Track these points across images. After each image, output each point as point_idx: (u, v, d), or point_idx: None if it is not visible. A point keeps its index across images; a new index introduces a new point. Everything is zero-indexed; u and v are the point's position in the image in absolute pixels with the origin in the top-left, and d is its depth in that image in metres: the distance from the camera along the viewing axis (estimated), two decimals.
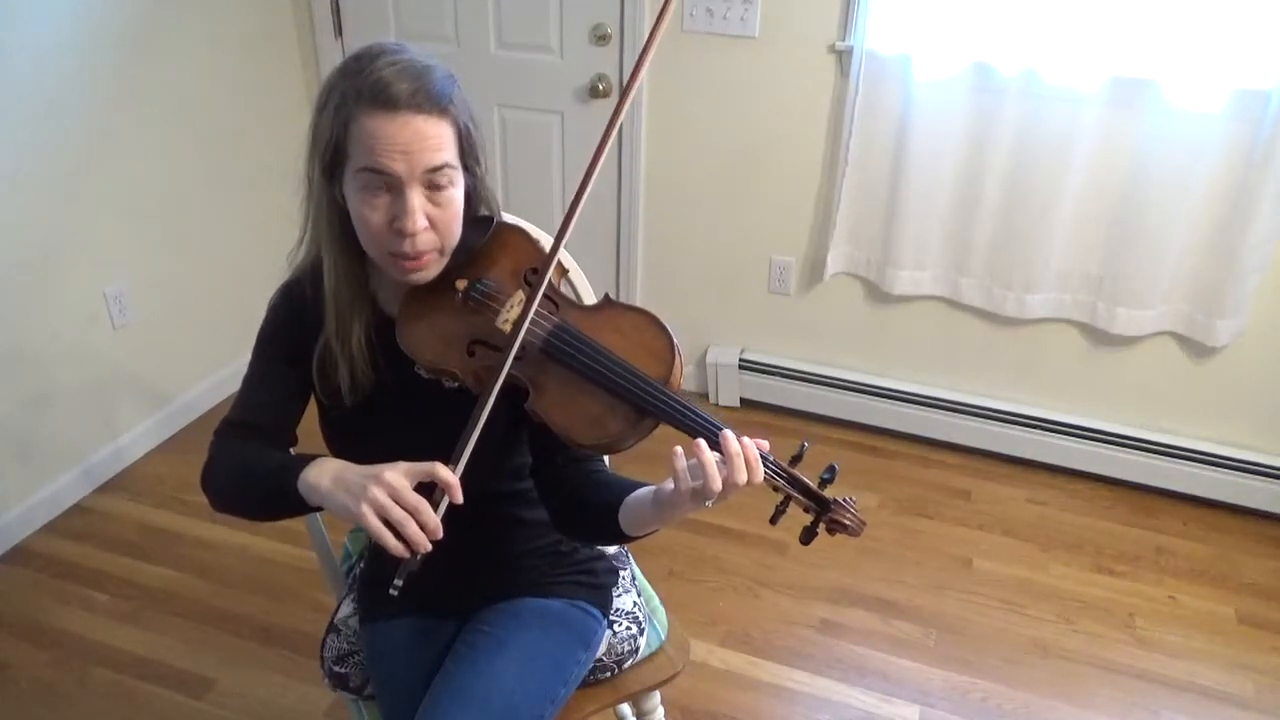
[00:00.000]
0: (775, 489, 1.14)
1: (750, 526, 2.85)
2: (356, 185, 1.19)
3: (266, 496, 1.24)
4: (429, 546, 1.11)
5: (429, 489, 1.13)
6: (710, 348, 3.42)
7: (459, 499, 1.12)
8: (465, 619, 1.52)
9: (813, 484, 1.14)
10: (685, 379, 3.35)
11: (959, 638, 2.52)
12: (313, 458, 1.22)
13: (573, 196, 1.18)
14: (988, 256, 2.93)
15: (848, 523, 1.14)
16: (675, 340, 1.18)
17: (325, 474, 1.17)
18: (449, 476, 1.12)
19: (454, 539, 1.32)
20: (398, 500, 1.10)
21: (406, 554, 1.11)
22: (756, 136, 3.07)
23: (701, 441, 1.07)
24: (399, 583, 1.13)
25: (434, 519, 1.10)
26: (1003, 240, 2.88)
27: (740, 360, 3.34)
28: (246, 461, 1.29)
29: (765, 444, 1.11)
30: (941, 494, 3.03)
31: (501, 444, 1.38)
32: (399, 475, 1.11)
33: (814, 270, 3.21)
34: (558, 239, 1.20)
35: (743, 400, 3.42)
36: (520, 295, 1.23)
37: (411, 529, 1.09)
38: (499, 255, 1.28)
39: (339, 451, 1.30)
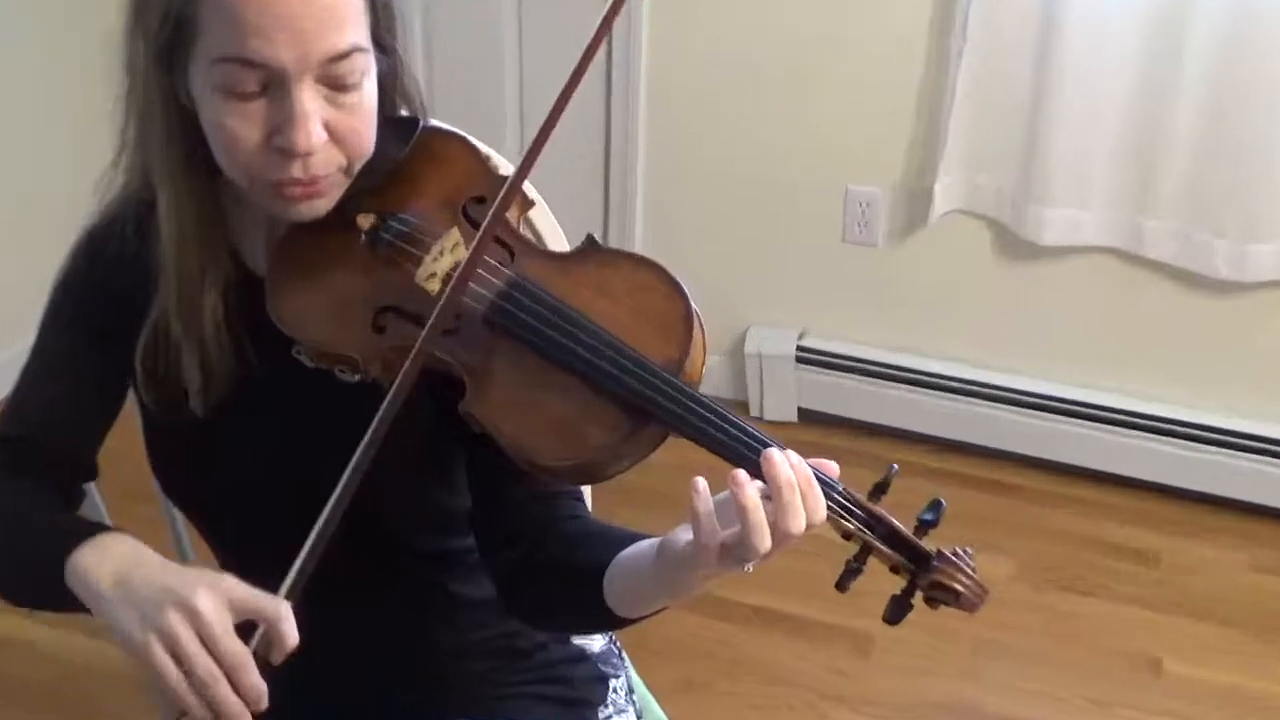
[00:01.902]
0: (846, 536, 1.09)
1: (813, 606, 2.62)
2: (214, 82, 1.12)
3: (23, 573, 1.20)
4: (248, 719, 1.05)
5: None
6: (751, 330, 3.21)
7: (280, 659, 1.06)
8: None
9: (905, 528, 1.10)
10: (714, 379, 3.22)
11: None
12: (100, 529, 1.17)
13: (552, 105, 1.14)
14: (1186, 188, 2.73)
15: (959, 588, 1.08)
16: (693, 304, 1.14)
17: (106, 566, 1.12)
18: (287, 630, 1.05)
19: (355, 630, 1.33)
20: (208, 645, 1.03)
21: None
22: (820, 7, 2.91)
23: (741, 473, 1.02)
24: None
25: (258, 684, 1.03)
26: (1208, 164, 2.69)
27: (799, 349, 3.14)
28: (9, 511, 1.25)
29: (833, 466, 1.08)
30: (1112, 557, 2.79)
31: (422, 475, 1.33)
32: (217, 604, 1.04)
33: (914, 208, 3.01)
34: (528, 155, 1.16)
35: (802, 412, 3.20)
36: (456, 235, 1.21)
37: (222, 694, 1.03)
38: (426, 177, 1.26)
39: (175, 488, 1.32)
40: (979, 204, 2.94)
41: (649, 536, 1.16)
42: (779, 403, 3.21)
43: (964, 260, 3.03)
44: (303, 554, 1.10)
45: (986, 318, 3.06)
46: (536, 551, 1.25)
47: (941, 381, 3.06)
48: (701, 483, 1.02)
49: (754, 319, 3.22)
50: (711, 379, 3.15)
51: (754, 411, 3.23)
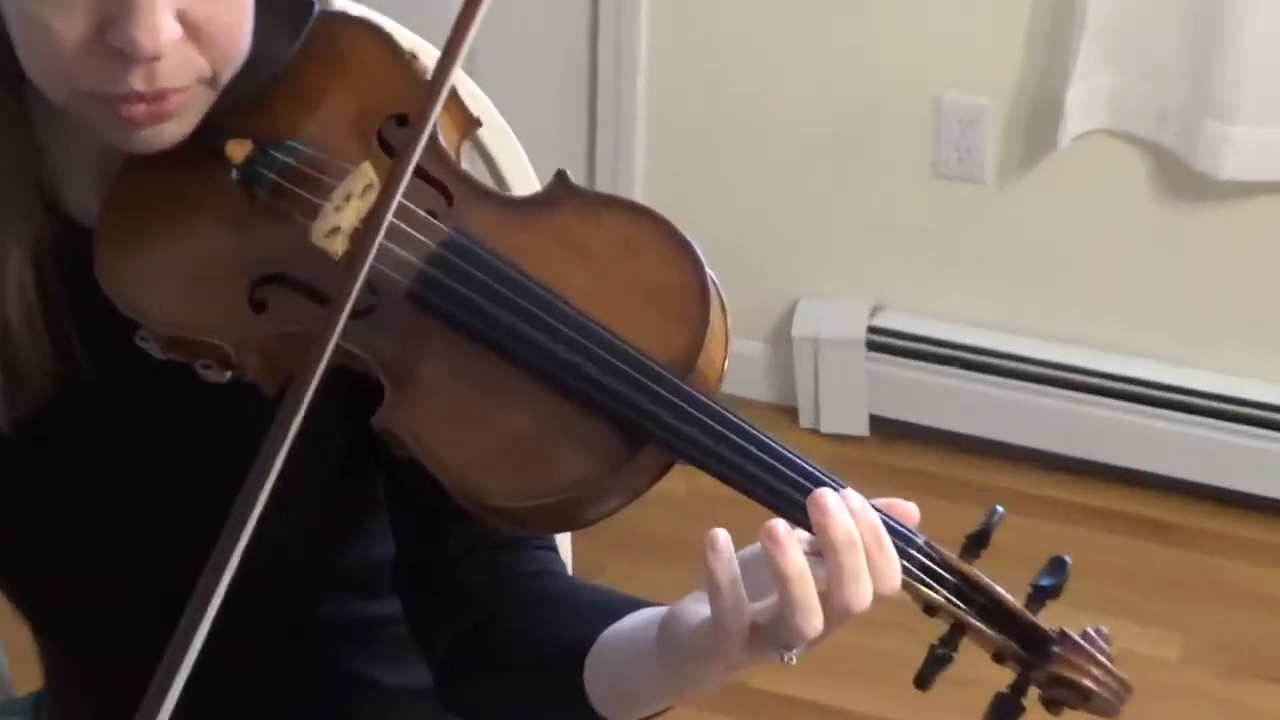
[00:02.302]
0: (931, 609, 0.97)
1: (888, 701, 2.49)
2: None
3: None
4: None
5: None
6: (801, 306, 3.00)
7: None
8: None
9: (1013, 599, 0.99)
10: (747, 377, 3.06)
11: None
12: None
13: None
14: None
15: (1090, 684, 0.97)
16: (710, 274, 1.03)
17: None
18: None
19: None
20: None
21: None
22: None
23: (779, 524, 0.92)
24: None
25: None
26: None
27: (871, 332, 2.94)
28: None
29: (911, 510, 0.98)
30: None
31: (326, 516, 1.22)
32: None
33: (1036, 128, 2.82)
34: (448, 48, 1.00)
35: (875, 420, 2.98)
36: (369, 173, 1.08)
37: None
38: (323, 87, 1.15)
39: None
40: (1129, 121, 2.71)
41: (650, 603, 1.06)
42: (843, 408, 2.96)
43: (1107, 202, 2.78)
44: (171, 654, 0.94)
45: (1138, 284, 2.82)
46: (487, 624, 1.14)
47: (1072, 377, 2.79)
48: (722, 537, 0.91)
49: (806, 290, 2.99)
50: (743, 377, 2.95)
51: (806, 422, 3.00)
